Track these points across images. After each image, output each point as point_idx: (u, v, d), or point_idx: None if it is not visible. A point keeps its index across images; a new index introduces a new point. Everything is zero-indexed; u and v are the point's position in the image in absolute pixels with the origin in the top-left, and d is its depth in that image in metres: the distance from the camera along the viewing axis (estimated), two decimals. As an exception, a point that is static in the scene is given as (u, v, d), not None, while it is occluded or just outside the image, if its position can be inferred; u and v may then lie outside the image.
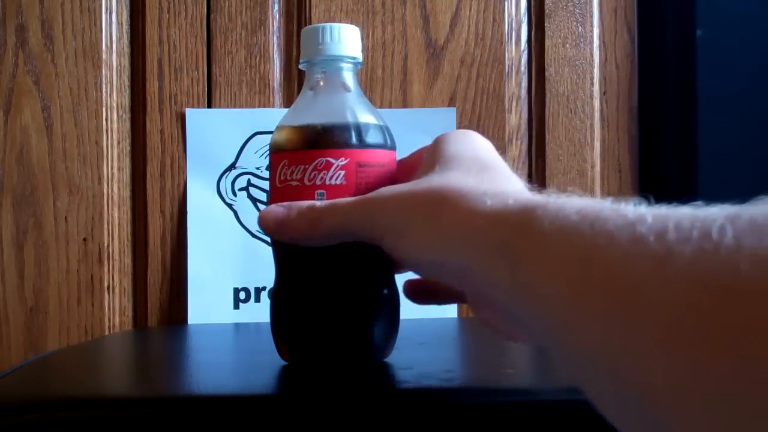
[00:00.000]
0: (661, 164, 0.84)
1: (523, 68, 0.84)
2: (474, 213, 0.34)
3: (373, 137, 0.48)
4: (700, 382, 0.22)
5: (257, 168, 0.80)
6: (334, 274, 0.48)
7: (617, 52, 0.84)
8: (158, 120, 0.80)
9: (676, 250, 0.24)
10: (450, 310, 0.81)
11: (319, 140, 0.47)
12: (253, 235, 0.80)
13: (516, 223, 0.31)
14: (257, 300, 0.80)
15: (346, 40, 0.49)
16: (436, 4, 0.82)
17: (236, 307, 0.79)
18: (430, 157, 0.42)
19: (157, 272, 0.80)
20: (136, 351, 0.68)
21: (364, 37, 0.81)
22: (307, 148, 0.47)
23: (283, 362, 0.50)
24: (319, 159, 0.47)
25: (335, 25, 0.49)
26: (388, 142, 0.49)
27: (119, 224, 0.80)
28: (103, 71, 0.80)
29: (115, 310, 0.80)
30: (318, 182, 0.47)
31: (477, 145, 0.42)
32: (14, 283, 0.78)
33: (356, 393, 0.45)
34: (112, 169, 0.80)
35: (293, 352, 0.49)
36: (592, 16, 0.84)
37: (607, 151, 0.84)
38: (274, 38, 0.81)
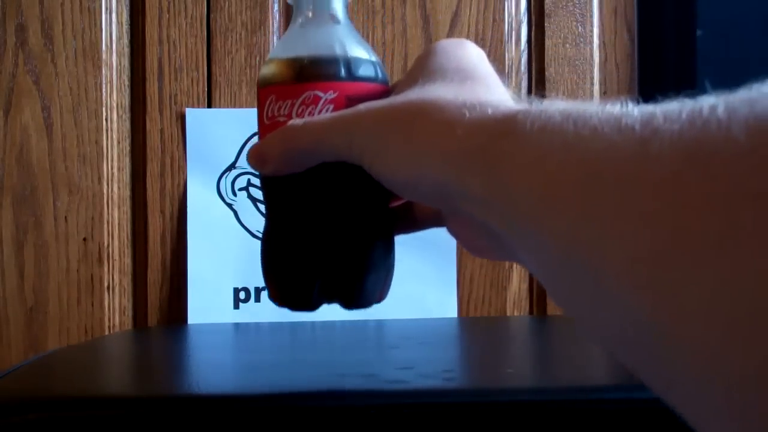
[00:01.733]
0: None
1: (523, 68, 0.84)
2: (450, 124, 0.33)
3: (363, 70, 0.46)
4: (682, 252, 0.21)
5: (257, 168, 0.80)
6: (322, 212, 0.46)
7: (617, 52, 0.84)
8: (158, 120, 0.80)
9: (663, 129, 0.23)
10: (450, 310, 0.81)
11: (307, 73, 0.44)
12: (253, 235, 0.80)
13: (494, 129, 0.30)
14: (257, 300, 0.80)
15: None
16: (436, 4, 0.82)
17: (236, 307, 0.79)
18: (414, 71, 0.40)
19: (157, 272, 0.80)
20: (136, 351, 0.68)
21: (364, 37, 0.81)
22: (294, 81, 0.45)
23: (281, 362, 0.50)
24: (307, 93, 0.44)
25: None
26: (379, 75, 0.47)
27: (119, 224, 0.80)
28: (103, 71, 0.80)
29: (115, 310, 0.80)
30: (307, 116, 0.44)
31: (464, 54, 0.40)
32: (14, 283, 0.78)
33: (356, 393, 0.45)
34: (112, 169, 0.80)
35: (282, 293, 0.47)
36: (592, 16, 0.84)
37: (607, 151, 0.84)
38: (274, 38, 0.81)
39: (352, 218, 0.46)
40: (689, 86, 0.80)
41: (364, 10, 0.82)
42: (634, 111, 0.25)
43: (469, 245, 0.41)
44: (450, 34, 0.82)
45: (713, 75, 0.79)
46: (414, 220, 0.48)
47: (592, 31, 0.84)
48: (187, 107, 0.80)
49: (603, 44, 0.84)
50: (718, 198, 0.20)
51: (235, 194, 0.80)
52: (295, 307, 0.47)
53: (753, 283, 0.19)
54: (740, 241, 0.20)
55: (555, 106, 0.28)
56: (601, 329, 0.25)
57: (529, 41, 0.84)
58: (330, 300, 0.47)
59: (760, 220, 0.19)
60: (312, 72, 0.44)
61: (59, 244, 0.79)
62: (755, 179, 0.20)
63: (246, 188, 0.80)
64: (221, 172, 0.80)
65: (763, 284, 0.19)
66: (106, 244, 0.79)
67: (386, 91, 0.46)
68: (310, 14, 0.48)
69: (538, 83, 0.83)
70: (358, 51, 0.46)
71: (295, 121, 0.42)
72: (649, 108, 0.25)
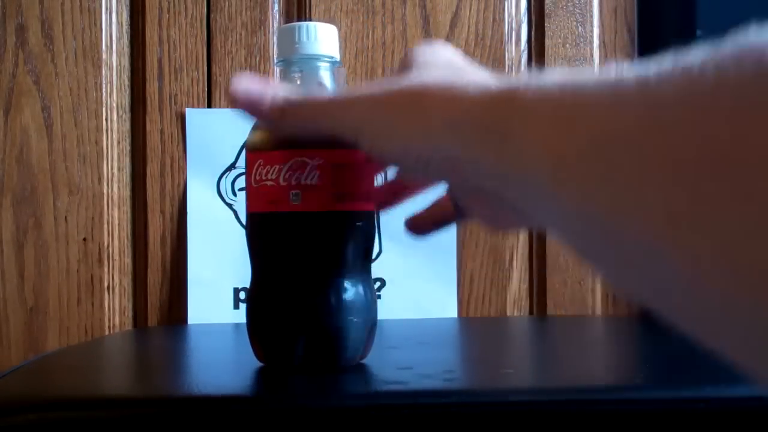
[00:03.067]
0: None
1: (523, 68, 0.84)
2: (457, 99, 0.34)
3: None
4: (698, 202, 0.22)
5: (257, 168, 0.80)
6: (308, 274, 0.47)
7: (617, 52, 0.84)
8: (158, 120, 0.80)
9: (660, 92, 0.24)
10: (450, 310, 0.81)
11: (295, 140, 0.46)
12: (253, 235, 0.80)
13: (501, 100, 0.32)
14: (257, 300, 0.80)
15: (322, 39, 0.49)
16: (436, 4, 0.82)
17: (236, 307, 0.79)
18: (402, 65, 0.41)
19: (157, 272, 0.80)
20: (136, 351, 0.68)
21: (365, 37, 0.81)
22: (282, 148, 0.46)
23: (282, 372, 0.50)
24: (294, 159, 0.46)
25: (312, 23, 0.49)
26: None
27: (119, 224, 0.80)
28: (103, 71, 0.80)
29: (115, 310, 0.80)
30: (293, 182, 0.46)
31: (446, 51, 0.42)
32: (14, 283, 0.78)
33: (356, 393, 0.45)
34: (112, 169, 0.80)
35: (268, 354, 0.49)
36: (592, 16, 0.84)
37: (607, 151, 0.84)
38: (274, 38, 0.81)
39: (335, 277, 0.48)
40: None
41: (364, 10, 0.82)
42: (629, 73, 0.26)
43: (483, 219, 0.42)
44: (450, 34, 0.82)
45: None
46: (434, 219, 0.48)
47: (592, 31, 0.84)
48: (187, 107, 0.80)
49: (603, 44, 0.84)
50: (723, 141, 0.21)
51: (235, 194, 0.80)
52: (277, 365, 0.48)
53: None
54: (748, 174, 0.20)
55: (552, 78, 0.29)
56: (635, 285, 0.26)
57: (529, 41, 0.84)
58: (313, 359, 0.48)
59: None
60: (299, 140, 0.46)
61: (59, 245, 0.79)
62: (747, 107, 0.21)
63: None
64: (221, 172, 0.80)
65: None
66: (106, 244, 0.79)
67: (367, 157, 0.47)
68: (298, 82, 0.49)
69: (538, 83, 0.83)
70: None
71: (294, 98, 0.43)
72: (641, 68, 0.26)
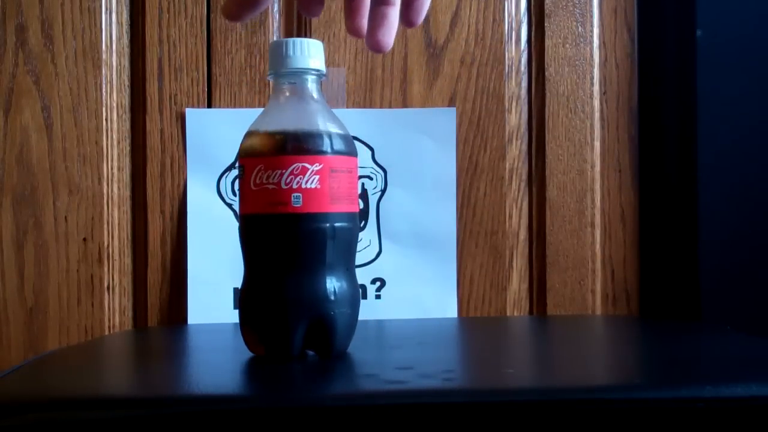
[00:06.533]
0: (661, 164, 0.84)
1: (523, 68, 0.84)
2: None
3: (344, 145, 0.53)
4: None
5: (257, 168, 0.80)
6: (306, 269, 0.52)
7: (617, 52, 0.84)
8: (158, 120, 0.80)
9: None
10: (450, 310, 0.81)
11: (296, 147, 0.51)
12: (253, 235, 0.80)
13: None
14: (257, 300, 0.80)
15: (311, 54, 0.54)
16: (436, 4, 0.82)
17: (236, 306, 0.79)
18: None
19: (157, 272, 0.80)
20: (136, 351, 0.69)
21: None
22: (284, 153, 0.51)
23: (282, 362, 0.50)
24: (296, 164, 0.51)
25: (301, 39, 0.54)
26: (354, 149, 0.54)
27: (119, 224, 0.80)
28: (103, 71, 0.80)
29: (115, 310, 0.80)
30: (294, 186, 0.51)
31: None
32: (14, 283, 0.78)
33: (356, 393, 0.45)
34: (112, 169, 0.80)
35: (267, 345, 0.52)
36: (592, 16, 0.84)
37: (607, 151, 0.84)
38: (274, 38, 0.81)
39: (331, 271, 0.52)
40: (689, 86, 0.80)
41: (364, 10, 0.82)
42: None
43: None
44: (450, 34, 0.82)
45: (713, 75, 0.79)
46: None
47: (592, 31, 0.84)
48: (187, 107, 0.80)
49: (603, 44, 0.84)
50: None
51: (235, 194, 0.80)
52: (275, 353, 0.52)
53: None
54: None
55: None
56: None
57: (529, 41, 0.84)
58: (311, 348, 0.52)
59: None
60: (301, 146, 0.51)
61: (59, 244, 0.79)
62: None
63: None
64: (221, 172, 0.80)
65: None
66: (106, 244, 0.79)
67: (356, 163, 0.54)
68: (288, 93, 0.54)
69: (538, 83, 0.83)
70: (339, 128, 0.53)
71: None
72: None
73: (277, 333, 0.51)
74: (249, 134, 0.53)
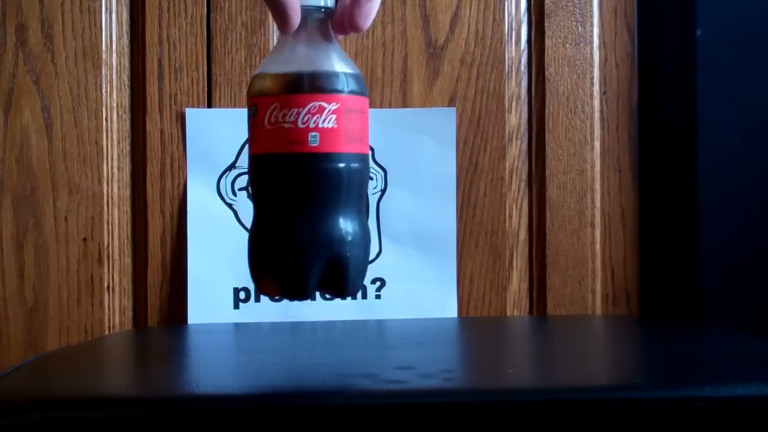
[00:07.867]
0: (661, 164, 0.84)
1: (523, 68, 0.84)
2: None
3: (357, 85, 0.52)
4: None
5: (257, 168, 0.80)
6: (323, 209, 0.51)
7: (617, 52, 0.84)
8: (158, 120, 0.80)
9: None
10: (450, 310, 0.81)
11: (314, 85, 0.51)
12: (253, 235, 0.80)
13: None
14: (257, 300, 0.80)
15: None
16: (436, 4, 0.82)
17: (236, 307, 0.79)
18: None
19: (157, 272, 0.80)
20: (136, 351, 0.69)
21: (364, 37, 0.81)
22: (301, 92, 0.50)
23: (282, 362, 0.50)
24: (313, 103, 0.50)
25: None
26: (365, 89, 0.54)
27: (119, 224, 0.80)
28: (103, 71, 0.80)
29: (115, 310, 0.80)
30: (311, 125, 0.50)
31: None
32: (14, 283, 0.78)
33: (357, 392, 0.45)
34: (112, 169, 0.80)
35: (283, 285, 0.51)
36: (592, 16, 0.84)
37: (607, 151, 0.84)
38: (274, 38, 0.81)
39: (346, 211, 0.52)
40: (689, 86, 0.80)
41: (364, 10, 0.82)
42: None
43: None
44: (450, 33, 0.82)
45: (713, 75, 0.79)
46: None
47: (592, 31, 0.84)
48: (187, 107, 0.80)
49: (603, 44, 0.84)
50: None
51: (235, 194, 0.80)
52: (292, 294, 0.51)
53: None
54: None
55: None
56: None
57: (529, 41, 0.84)
58: (325, 287, 0.52)
59: None
60: (319, 85, 0.51)
61: (59, 244, 0.79)
62: None
63: (246, 188, 0.80)
64: (221, 172, 0.80)
65: None
66: (106, 244, 0.79)
67: (367, 103, 0.53)
68: (298, 32, 0.53)
69: (538, 83, 0.83)
70: (354, 68, 0.53)
71: None
72: None
73: (293, 274, 0.51)
74: (262, 75, 0.53)
